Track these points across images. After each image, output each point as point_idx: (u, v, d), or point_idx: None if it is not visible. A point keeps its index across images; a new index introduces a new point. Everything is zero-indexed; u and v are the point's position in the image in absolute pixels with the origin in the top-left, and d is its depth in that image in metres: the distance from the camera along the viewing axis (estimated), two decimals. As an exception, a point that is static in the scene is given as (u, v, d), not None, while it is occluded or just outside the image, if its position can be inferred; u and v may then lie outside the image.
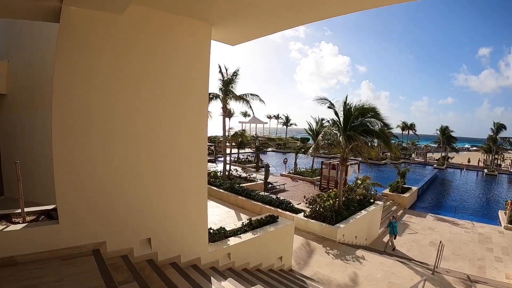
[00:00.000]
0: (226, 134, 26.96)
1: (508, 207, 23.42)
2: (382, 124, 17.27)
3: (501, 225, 23.05)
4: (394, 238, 16.59)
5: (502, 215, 24.65)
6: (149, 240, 6.89)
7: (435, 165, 55.80)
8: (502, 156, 64.05)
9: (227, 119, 27.22)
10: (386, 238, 17.39)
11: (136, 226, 6.67)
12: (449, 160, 61.00)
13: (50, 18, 5.91)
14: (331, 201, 16.68)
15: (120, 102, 6.32)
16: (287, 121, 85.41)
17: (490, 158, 57.83)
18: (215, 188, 21.76)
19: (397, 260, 13.57)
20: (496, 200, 33.92)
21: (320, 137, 19.95)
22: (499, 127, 55.73)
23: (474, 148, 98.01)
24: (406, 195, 26.67)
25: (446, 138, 58.58)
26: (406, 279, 11.12)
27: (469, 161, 61.86)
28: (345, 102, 17.13)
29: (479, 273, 14.75)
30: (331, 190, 21.33)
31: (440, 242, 13.52)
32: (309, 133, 35.52)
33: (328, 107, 17.61)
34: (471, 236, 20.15)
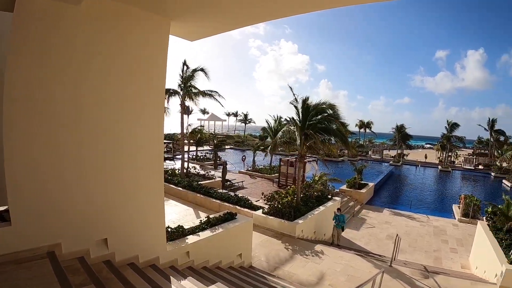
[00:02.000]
0: (184, 131, 26.90)
1: (461, 201, 25.13)
2: (339, 122, 17.79)
3: (455, 218, 24.83)
4: (342, 230, 16.89)
5: (456, 209, 26.60)
6: (106, 241, 6.81)
7: (391, 162, 58.59)
8: (456, 153, 68.09)
9: (185, 116, 27.20)
10: (331, 232, 17.56)
11: (92, 226, 6.60)
12: (404, 157, 63.98)
13: (3, 7, 5.79)
14: (289, 198, 17.05)
15: (75, 96, 6.23)
16: (245, 119, 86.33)
17: (444, 155, 61.22)
18: (173, 186, 21.67)
19: (356, 254, 14.18)
20: (450, 194, 36.24)
21: (279, 134, 20.27)
22: (453, 125, 59.45)
23: (429, 146, 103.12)
24: (363, 190, 27.93)
25: (401, 136, 61.99)
26: (364, 272, 11.68)
27: (426, 157, 65.30)
28: (304, 100, 17.45)
29: (435, 263, 15.80)
30: (289, 187, 21.78)
31: (397, 235, 14.33)
32: (267, 131, 36.09)
33: (290, 103, 17.89)
34: (426, 229, 21.51)
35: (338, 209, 17.28)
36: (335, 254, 13.62)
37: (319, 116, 17.43)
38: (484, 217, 18.38)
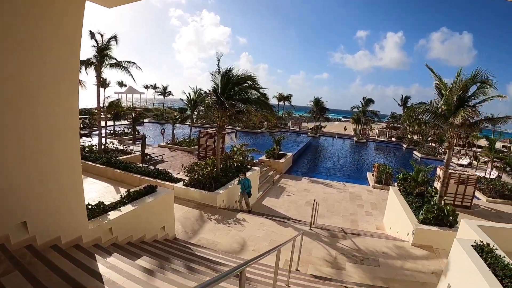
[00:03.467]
0: (101, 105, 25.81)
1: (375, 169, 27.75)
2: (259, 93, 18.22)
3: (369, 185, 27.23)
4: (249, 197, 17.04)
5: (370, 176, 29.20)
6: (25, 224, 6.47)
7: (309, 134, 61.34)
8: (370, 126, 73.79)
9: (102, 89, 26.06)
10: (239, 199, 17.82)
11: (9, 209, 6.23)
12: (322, 129, 66.93)
13: None
14: (209, 169, 17.31)
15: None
16: (164, 91, 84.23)
17: (360, 128, 65.80)
18: (91, 163, 20.84)
19: (277, 220, 14.97)
20: (364, 163, 39.41)
21: (203, 106, 20.30)
22: (368, 101, 64.22)
23: (346, 119, 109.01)
24: (282, 160, 29.13)
25: (319, 109, 64.95)
26: (286, 236, 12.39)
27: (345, 130, 69.59)
28: (225, 70, 17.52)
29: (352, 226, 17.27)
30: (208, 158, 22.09)
31: (314, 200, 15.21)
32: (186, 104, 35.91)
33: (211, 73, 17.88)
34: (343, 195, 23.21)
35: (243, 173, 17.33)
36: (257, 221, 14.26)
37: (239, 87, 17.68)
38: (396, 183, 20.27)
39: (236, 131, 35.34)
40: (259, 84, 18.04)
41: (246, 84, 17.90)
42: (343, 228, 15.29)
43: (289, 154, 32.07)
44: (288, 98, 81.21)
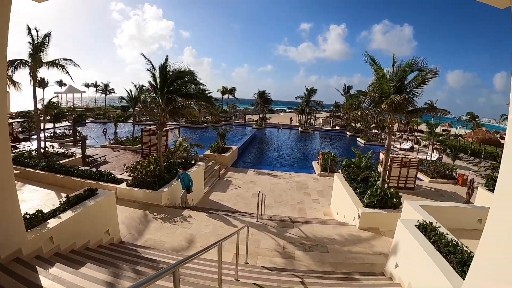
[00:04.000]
0: (39, 106, 24.19)
1: (320, 158, 28.15)
2: (198, 88, 17.85)
3: (315, 173, 27.68)
4: (188, 193, 16.43)
5: (315, 165, 29.63)
6: None
7: (254, 126, 61.29)
8: (314, 116, 74.88)
9: (41, 89, 24.48)
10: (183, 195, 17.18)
11: None
12: (267, 121, 67.28)
13: None
14: (151, 167, 16.71)
15: None
16: (106, 89, 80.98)
17: (304, 118, 67.13)
18: (31, 170, 19.41)
19: (224, 214, 14.73)
20: (310, 153, 39.90)
21: (140, 103, 19.60)
22: (311, 91, 65.54)
23: (290, 110, 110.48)
24: (227, 154, 28.88)
25: (263, 101, 65.37)
26: (233, 230, 12.15)
27: (291, 121, 70.43)
28: (162, 66, 17.04)
29: (300, 214, 17.39)
30: (151, 156, 21.43)
31: (259, 192, 15.19)
32: (126, 101, 34.83)
33: (148, 70, 17.39)
34: (289, 185, 23.43)
35: (182, 167, 16.99)
36: (203, 217, 13.97)
37: (178, 82, 17.23)
38: (340, 170, 20.59)
39: (179, 126, 34.59)
40: (198, 78, 17.67)
41: (185, 79, 17.46)
42: (291, 217, 15.37)
43: (234, 147, 31.95)
44: (232, 91, 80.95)
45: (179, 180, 16.20)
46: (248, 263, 9.90)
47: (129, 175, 17.11)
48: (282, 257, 10.57)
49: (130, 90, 34.77)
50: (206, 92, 18.44)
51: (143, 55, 17.57)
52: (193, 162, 20.16)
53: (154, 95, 17.29)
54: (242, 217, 14.75)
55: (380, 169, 21.59)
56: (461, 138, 50.15)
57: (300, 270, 9.73)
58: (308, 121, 69.12)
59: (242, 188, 22.06)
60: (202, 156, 27.46)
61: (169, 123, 41.22)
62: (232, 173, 26.25)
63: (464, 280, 5.87)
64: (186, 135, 35.99)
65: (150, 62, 17.40)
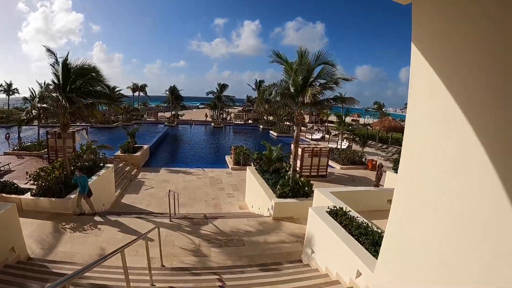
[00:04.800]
0: None
1: (232, 152, 28.31)
2: (105, 85, 16.95)
3: (228, 168, 27.60)
4: (89, 197, 14.56)
5: (228, 159, 29.65)
6: None
7: (166, 123, 59.98)
8: (227, 111, 75.70)
9: None
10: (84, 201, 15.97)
11: None
12: (179, 117, 66.12)
13: None
14: (57, 173, 15.52)
15: None
16: (9, 89, 73.70)
17: (216, 113, 67.05)
18: None
19: (136, 217, 14.04)
20: (222, 147, 40.00)
21: (38, 104, 18.03)
22: (223, 86, 65.35)
23: (203, 106, 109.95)
24: (138, 154, 27.61)
25: (175, 98, 64.01)
26: (145, 231, 11.71)
27: (206, 116, 70.31)
28: (63, 61, 15.82)
29: (215, 210, 17.25)
30: (56, 161, 19.96)
31: (170, 191, 14.66)
32: (30, 101, 32.21)
33: (50, 65, 15.99)
34: (203, 181, 23.13)
35: (79, 170, 15.05)
36: (115, 222, 13.21)
37: (82, 80, 16.16)
38: (252, 163, 20.78)
39: (87, 127, 32.54)
40: (104, 76, 16.66)
41: (90, 76, 16.40)
42: (205, 214, 15.13)
43: (146, 146, 30.65)
44: (143, 88, 78.13)
45: (74, 183, 14.66)
46: (164, 266, 9.51)
47: (33, 184, 15.73)
48: (198, 256, 10.34)
49: (33, 89, 32.23)
50: (116, 90, 17.57)
51: (46, 48, 16.05)
52: (101, 164, 19.08)
53: (56, 94, 16.04)
54: (156, 218, 14.15)
55: (291, 160, 22.16)
56: (369, 127, 53.16)
57: (217, 266, 9.61)
58: (221, 116, 69.16)
59: (155, 188, 21.33)
60: (113, 157, 26.09)
61: (77, 124, 38.95)
62: (145, 173, 25.24)
63: (377, 259, 6.07)
64: (95, 136, 34.25)
65: (54, 54, 15.92)
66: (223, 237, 11.72)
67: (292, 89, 15.38)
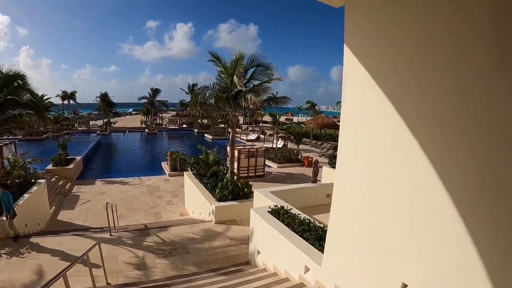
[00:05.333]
0: None
1: (168, 158, 27.70)
2: (32, 94, 16.07)
3: (165, 174, 27.01)
4: (12, 218, 12.41)
5: (165, 166, 28.89)
6: None
7: (98, 132, 57.42)
8: (161, 116, 74.06)
9: None
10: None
11: None
12: (112, 125, 63.89)
13: None
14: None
15: None
16: None
17: (150, 119, 65.88)
18: None
19: (74, 235, 13.29)
20: (158, 153, 39.08)
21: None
22: (155, 91, 64.68)
23: (136, 112, 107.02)
24: (71, 166, 26.14)
25: (106, 104, 61.76)
26: (86, 249, 11.16)
27: (141, 123, 68.33)
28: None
29: (156, 219, 16.78)
30: (-18, 179, 18.54)
31: (107, 203, 14.01)
32: None
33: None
34: (141, 190, 22.40)
35: (1, 186, 12.92)
36: (53, 241, 12.39)
37: (7, 89, 15.18)
38: (189, 168, 20.59)
39: (15, 140, 30.42)
40: (29, 85, 15.77)
41: (15, 85, 15.42)
42: (146, 225, 14.77)
43: (78, 158, 28.89)
44: (72, 95, 73.71)
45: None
46: (109, 284, 9.09)
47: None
48: (143, 269, 10.02)
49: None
50: (45, 98, 16.63)
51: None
52: (33, 180, 17.92)
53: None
54: (95, 233, 13.49)
55: (228, 162, 22.24)
56: (303, 125, 54.40)
57: (164, 278, 9.40)
58: (155, 121, 67.88)
59: (91, 201, 20.26)
60: (44, 172, 24.40)
61: (5, 137, 36.44)
62: (79, 186, 23.86)
63: (323, 253, 6.22)
64: (24, 150, 32.21)
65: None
66: (167, 247, 11.45)
67: (227, 92, 15.45)
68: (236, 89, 14.95)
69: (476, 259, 3.26)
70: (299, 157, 30.49)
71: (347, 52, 4.96)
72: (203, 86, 17.03)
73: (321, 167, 21.68)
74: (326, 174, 20.75)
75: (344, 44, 4.97)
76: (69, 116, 72.00)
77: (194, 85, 67.38)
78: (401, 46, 4.07)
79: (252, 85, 15.77)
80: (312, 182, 19.53)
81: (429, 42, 3.67)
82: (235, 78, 14.72)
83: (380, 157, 4.51)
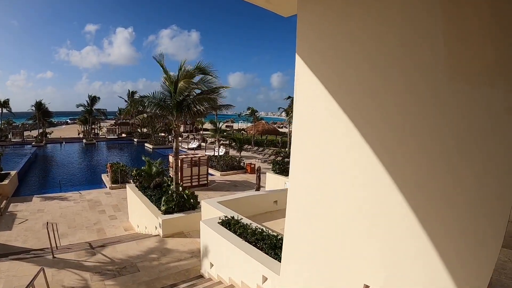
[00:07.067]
0: None
1: (108, 170, 26.52)
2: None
3: (106, 187, 25.80)
4: None
5: (105, 178, 27.60)
6: None
7: (33, 143, 54.20)
8: (99, 125, 71.46)
9: None
10: None
11: None
12: (48, 136, 60.64)
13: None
14: None
15: None
16: None
17: (88, 128, 63.24)
18: None
19: (13, 259, 12.23)
20: (98, 165, 37.39)
21: None
22: (93, 99, 61.40)
23: (73, 121, 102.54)
24: (6, 182, 23.98)
25: (42, 114, 58.32)
26: (29, 276, 10.24)
27: (79, 133, 65.04)
28: None
29: (100, 236, 15.74)
30: None
31: (47, 222, 13.18)
32: None
33: None
34: (81, 205, 21.07)
35: None
36: (-10, 269, 11.42)
37: None
38: (132, 180, 19.90)
39: None
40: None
41: None
42: (90, 243, 13.83)
43: (13, 172, 26.72)
44: (5, 104, 68.87)
45: None
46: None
47: None
48: (92, 292, 9.40)
49: None
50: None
51: None
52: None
53: None
54: (37, 257, 12.35)
55: (172, 173, 21.72)
56: (243, 132, 54.60)
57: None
58: (93, 131, 65.21)
59: (30, 220, 18.65)
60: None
61: None
62: (16, 204, 21.97)
63: (280, 262, 6.13)
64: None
65: None
66: (115, 266, 10.80)
67: (170, 100, 15.19)
68: (180, 97, 14.71)
69: (431, 253, 3.40)
70: (242, 164, 30.64)
71: (298, 61, 4.93)
72: (142, 96, 16.67)
73: (264, 173, 21.77)
74: (270, 180, 20.85)
75: (296, 54, 4.94)
76: (2, 126, 67.17)
77: (134, 92, 65.57)
78: (353, 55, 4.11)
79: (195, 93, 15.60)
80: (256, 189, 19.55)
81: (383, 55, 3.73)
82: (181, 84, 14.49)
83: (332, 162, 4.56)
